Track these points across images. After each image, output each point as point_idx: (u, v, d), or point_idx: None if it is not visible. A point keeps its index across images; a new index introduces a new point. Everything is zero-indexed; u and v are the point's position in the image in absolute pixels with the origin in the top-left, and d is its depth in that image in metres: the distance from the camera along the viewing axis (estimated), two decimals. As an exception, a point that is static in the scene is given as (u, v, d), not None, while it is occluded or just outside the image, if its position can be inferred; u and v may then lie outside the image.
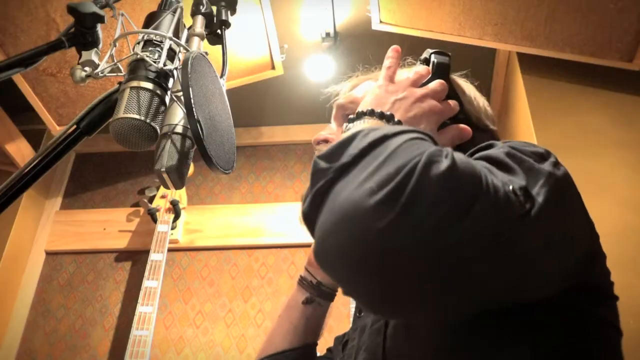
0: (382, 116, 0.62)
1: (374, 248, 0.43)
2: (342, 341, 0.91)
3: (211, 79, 0.69)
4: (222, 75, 0.75)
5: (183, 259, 2.42)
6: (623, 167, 1.68)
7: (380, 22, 1.92)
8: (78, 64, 0.68)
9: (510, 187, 0.47)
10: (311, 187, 0.51)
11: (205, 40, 0.79)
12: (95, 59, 0.69)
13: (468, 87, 0.82)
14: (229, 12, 0.81)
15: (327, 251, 0.47)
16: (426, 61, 0.78)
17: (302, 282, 0.99)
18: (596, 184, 1.62)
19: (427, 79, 0.72)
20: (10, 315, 2.28)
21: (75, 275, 2.41)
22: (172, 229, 2.31)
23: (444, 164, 0.44)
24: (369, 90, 0.83)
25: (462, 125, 0.71)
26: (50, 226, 2.51)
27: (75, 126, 0.66)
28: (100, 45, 0.70)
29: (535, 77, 1.93)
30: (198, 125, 0.60)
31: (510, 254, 0.46)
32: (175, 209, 2.32)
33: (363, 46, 2.26)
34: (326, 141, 0.83)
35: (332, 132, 0.85)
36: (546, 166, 0.52)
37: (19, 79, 1.86)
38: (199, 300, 2.32)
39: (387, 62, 0.73)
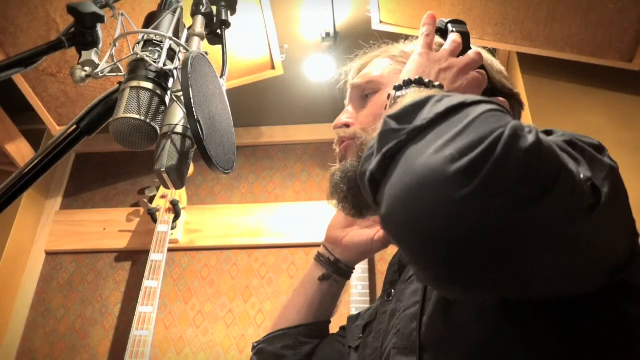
0: (432, 86, 0.60)
1: (452, 217, 0.42)
2: (356, 321, 0.90)
3: (211, 79, 0.69)
4: (222, 75, 0.75)
5: (183, 259, 2.42)
6: (623, 167, 1.67)
7: (380, 22, 1.92)
8: (78, 64, 0.68)
9: (582, 176, 0.46)
10: (380, 147, 0.48)
11: (205, 40, 0.79)
12: (95, 59, 0.69)
13: (485, 53, 0.81)
14: (229, 12, 0.81)
15: (400, 217, 0.45)
16: (440, 31, 0.77)
17: (320, 258, 0.97)
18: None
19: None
20: (10, 315, 2.28)
21: (75, 275, 2.41)
22: (172, 229, 2.31)
23: (530, 139, 0.42)
24: (386, 68, 0.81)
25: (503, 99, 0.71)
26: (50, 226, 2.51)
27: (75, 126, 0.66)
28: (100, 45, 0.70)
29: (535, 77, 1.93)
30: (198, 125, 0.60)
31: (575, 243, 0.45)
32: (175, 209, 2.32)
33: (363, 46, 2.27)
34: (347, 125, 0.82)
35: (351, 115, 0.83)
36: (606, 159, 0.52)
37: (19, 79, 1.86)
38: (199, 300, 2.32)
39: (424, 29, 0.71)
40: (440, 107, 0.47)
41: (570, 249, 0.45)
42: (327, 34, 2.20)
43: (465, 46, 0.72)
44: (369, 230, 0.94)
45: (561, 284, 0.49)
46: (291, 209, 2.51)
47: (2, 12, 1.68)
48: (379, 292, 2.21)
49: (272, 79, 2.19)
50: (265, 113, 2.69)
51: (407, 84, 0.61)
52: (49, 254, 2.46)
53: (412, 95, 0.57)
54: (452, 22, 0.75)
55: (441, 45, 0.72)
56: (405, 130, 0.47)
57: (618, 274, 0.52)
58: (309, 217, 2.45)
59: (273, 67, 2.14)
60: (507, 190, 0.41)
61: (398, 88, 0.61)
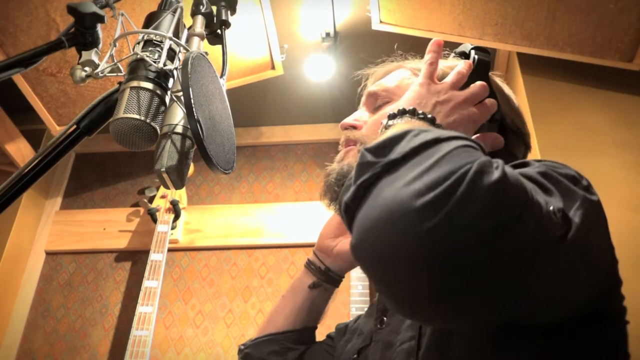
0: (424, 118, 0.62)
1: (415, 249, 0.43)
2: (344, 335, 0.90)
3: (211, 79, 0.69)
4: (222, 75, 0.75)
5: (183, 259, 2.42)
6: (623, 167, 1.68)
7: (380, 22, 1.92)
8: (78, 64, 0.68)
9: (551, 207, 0.47)
10: (356, 179, 0.50)
11: (205, 40, 0.79)
12: (95, 59, 0.69)
13: (505, 87, 0.81)
14: (229, 12, 0.81)
15: (367, 247, 0.47)
16: (463, 55, 0.77)
17: (310, 266, 0.98)
18: (596, 184, 1.60)
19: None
20: (10, 315, 2.28)
21: (75, 275, 2.41)
22: (172, 229, 2.30)
23: (495, 174, 0.44)
24: (403, 80, 0.82)
25: (496, 135, 0.72)
26: (50, 226, 2.51)
27: (75, 126, 0.66)
28: (100, 45, 0.70)
29: (535, 77, 1.93)
30: (198, 125, 0.60)
31: (544, 273, 0.47)
32: (175, 209, 2.32)
33: (363, 46, 2.26)
34: (354, 127, 0.82)
35: (360, 118, 0.83)
36: (580, 189, 0.53)
37: (19, 79, 1.86)
38: (199, 300, 2.32)
39: (428, 57, 0.71)
40: (416, 141, 0.49)
41: (539, 278, 0.47)
42: (327, 34, 2.20)
43: (483, 74, 0.72)
44: None
45: (533, 309, 0.50)
46: (291, 209, 2.50)
47: (2, 12, 1.68)
48: (379, 292, 2.22)
49: (272, 79, 2.19)
50: (265, 113, 2.69)
51: (401, 113, 0.62)
52: (49, 254, 2.46)
53: (399, 126, 0.59)
54: (476, 48, 0.75)
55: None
56: (380, 163, 0.49)
57: (596, 304, 0.53)
58: (309, 217, 2.44)
59: (273, 67, 2.14)
60: (470, 225, 0.43)
61: (391, 117, 0.63)
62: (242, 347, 0.99)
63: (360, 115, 0.84)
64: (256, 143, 2.75)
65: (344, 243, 0.96)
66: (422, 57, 0.87)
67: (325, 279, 0.97)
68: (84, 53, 0.69)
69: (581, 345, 0.54)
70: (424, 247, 0.43)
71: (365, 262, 0.49)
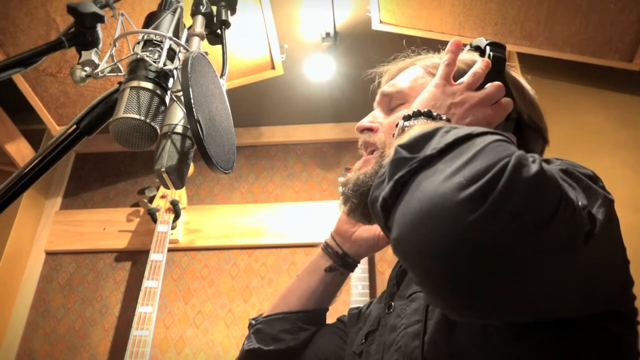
0: (439, 119, 0.62)
1: (461, 241, 0.44)
2: (358, 321, 0.91)
3: (211, 79, 0.69)
4: (222, 75, 0.75)
5: (183, 259, 2.42)
6: (623, 167, 1.68)
7: (380, 22, 1.92)
8: (78, 64, 0.68)
9: (579, 204, 0.48)
10: (392, 175, 0.51)
11: (205, 40, 0.79)
12: (95, 59, 0.69)
13: (520, 79, 0.81)
14: (229, 12, 0.81)
15: (411, 241, 0.48)
16: (478, 50, 0.76)
17: (327, 249, 0.98)
18: (596, 184, 1.62)
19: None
20: (10, 315, 2.28)
21: (75, 275, 2.41)
22: (172, 229, 2.31)
23: (534, 167, 0.45)
24: (417, 80, 0.81)
25: (510, 135, 0.71)
26: (50, 226, 2.51)
27: (75, 126, 0.66)
28: (100, 45, 0.70)
29: (535, 77, 1.92)
30: (198, 125, 0.60)
31: (572, 269, 0.47)
32: (175, 209, 2.32)
33: (363, 46, 2.26)
34: (370, 129, 0.82)
35: (375, 119, 0.83)
36: (600, 188, 0.54)
37: (19, 79, 1.86)
38: (199, 300, 2.32)
39: (446, 57, 0.71)
40: (449, 137, 0.50)
41: (569, 273, 0.47)
42: (327, 34, 2.20)
43: (499, 70, 0.72)
44: (376, 226, 0.95)
45: (559, 307, 0.51)
46: (291, 209, 2.51)
47: (2, 12, 1.68)
48: (378, 292, 2.21)
49: (272, 79, 2.19)
50: (265, 113, 2.69)
51: (416, 115, 0.62)
52: (49, 254, 2.46)
53: (420, 127, 0.58)
54: (491, 44, 0.75)
55: (473, 63, 0.72)
56: (416, 159, 0.50)
57: (611, 302, 0.54)
58: (309, 217, 2.45)
59: (273, 67, 2.14)
60: (514, 217, 0.43)
61: (407, 118, 0.63)
62: (253, 321, 0.98)
63: (376, 116, 0.84)
64: (256, 143, 2.75)
65: (363, 229, 0.96)
66: (434, 52, 0.87)
67: (342, 263, 0.97)
68: (84, 53, 0.69)
69: (592, 342, 0.55)
70: (469, 239, 0.43)
71: (409, 255, 0.49)
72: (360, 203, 0.77)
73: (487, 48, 0.75)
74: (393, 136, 0.64)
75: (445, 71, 0.70)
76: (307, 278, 0.98)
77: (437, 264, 0.46)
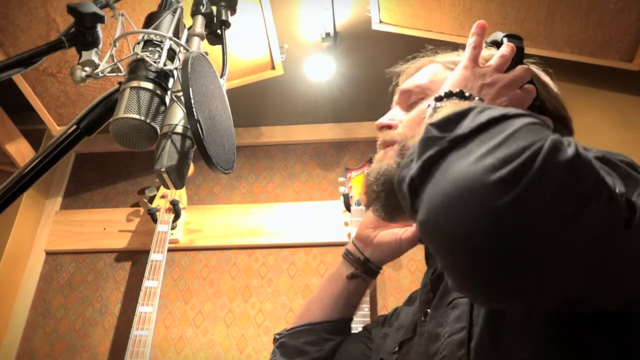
0: (472, 100, 0.61)
1: (491, 225, 0.42)
2: (383, 327, 0.89)
3: (211, 79, 0.69)
4: (222, 75, 0.75)
5: (183, 259, 2.42)
6: (623, 167, 1.67)
7: (380, 22, 1.92)
8: (78, 64, 0.68)
9: (617, 190, 0.46)
10: (420, 153, 0.49)
11: (205, 40, 0.79)
12: (95, 59, 0.69)
13: (541, 73, 0.81)
14: (229, 12, 0.81)
15: (438, 222, 0.46)
16: (496, 44, 0.76)
17: (348, 256, 0.96)
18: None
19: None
20: (10, 315, 2.28)
21: (75, 275, 2.41)
22: (172, 229, 2.30)
23: (569, 151, 0.43)
24: (436, 75, 0.81)
25: (546, 117, 0.70)
26: (50, 226, 2.51)
27: (75, 126, 0.66)
28: (100, 45, 0.70)
29: (535, 77, 1.93)
30: (198, 125, 0.60)
31: (610, 256, 0.46)
32: (175, 209, 2.32)
33: (363, 46, 2.27)
34: (389, 127, 0.81)
35: (395, 117, 0.82)
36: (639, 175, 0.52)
37: (19, 79, 1.86)
38: (199, 300, 2.32)
39: (472, 40, 0.70)
40: (482, 117, 0.48)
41: (605, 261, 0.46)
42: (327, 34, 2.20)
43: (518, 60, 0.72)
44: (398, 230, 0.94)
45: (594, 298, 0.49)
46: (291, 209, 2.50)
47: (2, 12, 1.68)
48: (379, 298, 2.22)
49: (272, 79, 2.19)
50: (265, 113, 2.69)
51: (448, 95, 0.61)
52: (49, 254, 2.46)
53: (452, 107, 0.57)
54: (508, 36, 0.75)
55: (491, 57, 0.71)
56: (446, 138, 0.48)
57: None
58: (309, 217, 2.44)
59: (273, 67, 2.14)
60: (546, 201, 0.42)
61: (439, 99, 0.62)
62: (278, 336, 0.96)
63: (395, 114, 0.83)
64: (256, 143, 2.75)
65: (385, 234, 0.95)
66: (453, 50, 0.87)
67: (364, 269, 0.95)
68: (84, 53, 0.69)
69: (631, 344, 0.52)
70: (499, 223, 0.42)
71: (436, 237, 0.47)
72: (382, 192, 0.75)
73: (505, 40, 0.75)
74: (418, 124, 0.63)
75: (473, 53, 0.69)
76: (329, 287, 0.96)
77: (465, 247, 0.44)
